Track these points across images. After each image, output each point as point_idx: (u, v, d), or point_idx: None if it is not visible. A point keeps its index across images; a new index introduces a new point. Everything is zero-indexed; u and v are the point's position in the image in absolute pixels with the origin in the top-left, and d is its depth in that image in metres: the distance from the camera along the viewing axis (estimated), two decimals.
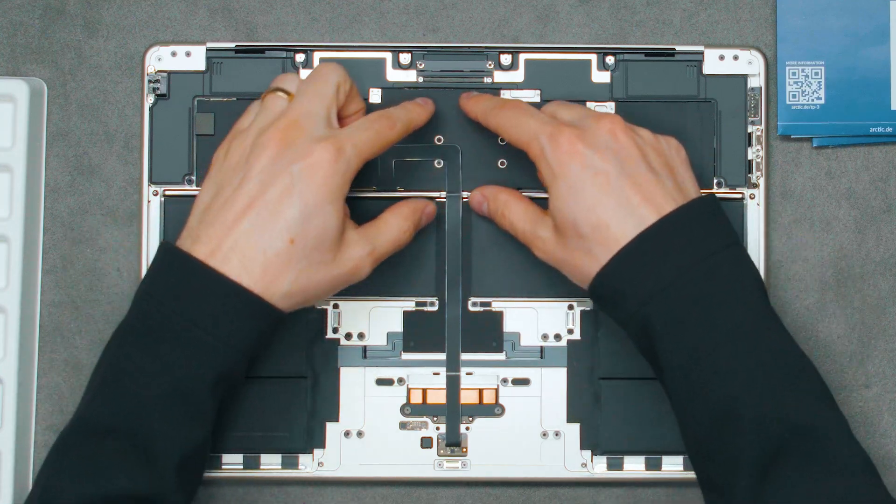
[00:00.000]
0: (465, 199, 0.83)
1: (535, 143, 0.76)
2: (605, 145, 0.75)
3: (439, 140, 0.83)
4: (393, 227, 0.78)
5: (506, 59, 0.84)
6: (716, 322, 0.72)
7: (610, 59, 0.84)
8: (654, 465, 0.82)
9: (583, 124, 0.76)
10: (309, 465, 0.83)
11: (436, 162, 0.83)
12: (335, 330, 0.83)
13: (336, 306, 0.83)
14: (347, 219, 0.76)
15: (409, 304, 0.83)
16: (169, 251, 0.74)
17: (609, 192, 0.74)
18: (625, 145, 0.75)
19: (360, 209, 0.82)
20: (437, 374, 0.83)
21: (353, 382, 0.83)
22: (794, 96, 0.84)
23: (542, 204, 0.80)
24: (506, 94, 0.83)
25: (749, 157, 0.83)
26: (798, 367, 0.73)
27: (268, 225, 0.73)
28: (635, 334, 0.75)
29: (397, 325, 0.83)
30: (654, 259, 0.73)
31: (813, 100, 0.84)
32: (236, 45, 0.84)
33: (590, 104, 0.83)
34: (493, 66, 0.84)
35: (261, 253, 0.73)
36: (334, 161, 0.74)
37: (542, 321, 0.83)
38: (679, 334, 0.73)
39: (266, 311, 0.74)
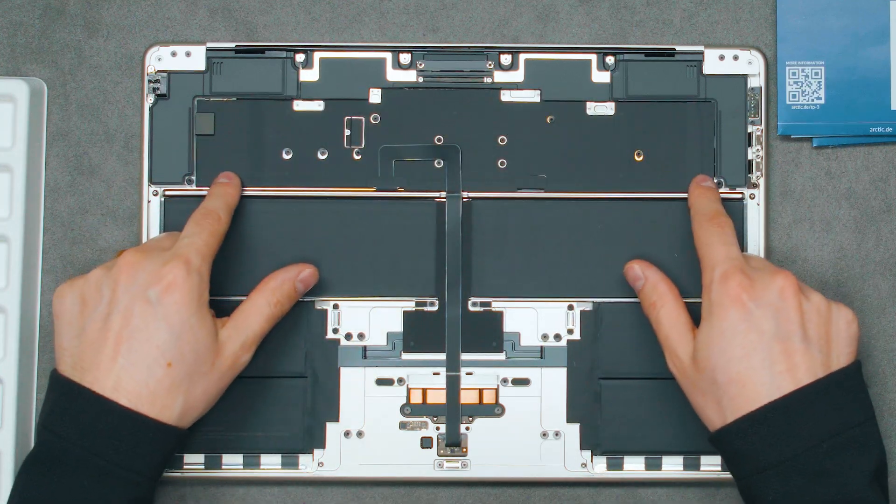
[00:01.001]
0: (465, 200, 0.83)
1: (710, 273, 0.77)
2: (769, 302, 0.75)
3: (439, 140, 0.83)
4: (260, 309, 0.79)
5: (506, 59, 0.84)
6: (821, 498, 0.72)
7: (610, 59, 0.84)
8: (654, 465, 0.82)
9: (757, 275, 0.76)
10: (309, 465, 0.83)
11: (436, 162, 0.83)
12: (335, 330, 0.83)
13: (336, 306, 0.83)
14: (214, 320, 0.77)
15: (409, 304, 0.83)
16: (62, 383, 0.75)
17: (756, 351, 0.74)
18: (789, 308, 0.75)
19: (360, 209, 0.82)
20: (437, 374, 0.83)
21: (353, 382, 0.83)
22: (794, 96, 0.84)
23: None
24: (506, 95, 0.83)
25: (749, 157, 0.83)
26: None
27: (142, 355, 0.75)
28: (745, 496, 0.75)
29: (397, 325, 0.83)
30: (780, 430, 0.73)
31: (813, 100, 0.84)
32: (236, 45, 0.84)
33: (590, 104, 0.83)
34: (493, 66, 0.84)
35: (144, 384, 0.74)
36: (186, 275, 0.76)
37: (542, 321, 0.83)
38: None
39: (167, 432, 0.75)
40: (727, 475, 0.82)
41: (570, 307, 0.83)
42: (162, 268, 0.75)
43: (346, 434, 0.83)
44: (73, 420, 0.74)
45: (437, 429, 0.83)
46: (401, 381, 0.83)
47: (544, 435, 0.83)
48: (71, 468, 0.73)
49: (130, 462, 0.74)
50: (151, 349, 0.75)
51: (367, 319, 0.83)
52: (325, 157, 0.83)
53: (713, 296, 0.76)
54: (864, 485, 0.73)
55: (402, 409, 0.83)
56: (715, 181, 0.82)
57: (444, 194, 0.83)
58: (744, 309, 0.75)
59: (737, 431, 0.74)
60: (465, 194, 0.83)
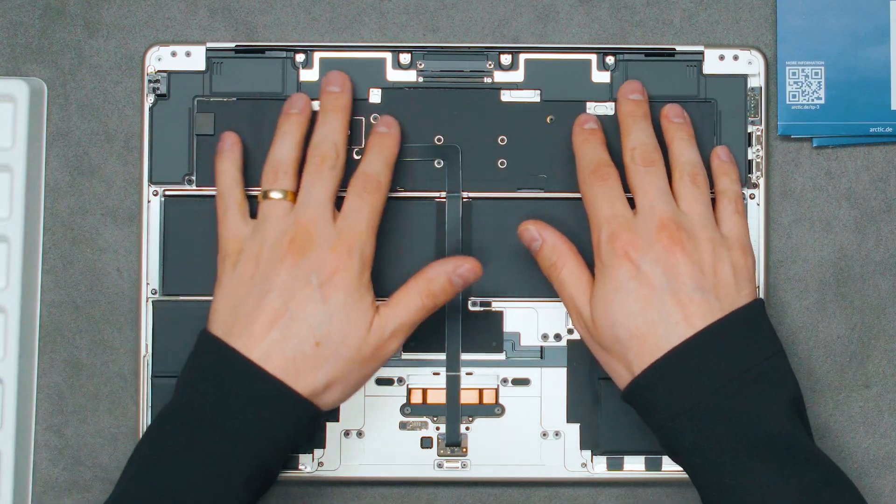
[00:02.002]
0: (465, 200, 0.83)
1: (597, 233, 0.77)
2: (657, 257, 0.75)
3: (439, 140, 0.83)
4: (412, 299, 0.78)
5: (506, 59, 0.84)
6: (740, 440, 0.73)
7: (610, 59, 0.84)
8: (654, 465, 0.82)
9: (643, 229, 0.76)
10: (309, 465, 0.83)
11: (436, 162, 0.83)
12: None
13: None
14: (373, 306, 0.77)
15: None
16: (213, 342, 0.76)
17: (650, 305, 0.75)
18: (679, 264, 0.75)
19: None
20: (437, 374, 0.83)
21: None
22: (794, 96, 0.84)
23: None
24: (506, 95, 0.83)
25: (749, 157, 0.83)
26: (830, 479, 0.73)
27: (294, 332, 0.75)
28: (664, 445, 0.76)
29: None
30: (685, 376, 0.74)
31: (813, 100, 0.84)
32: (236, 45, 0.84)
33: (590, 104, 0.83)
34: (493, 66, 0.84)
35: (291, 360, 0.75)
36: (348, 261, 0.76)
37: (542, 321, 0.83)
38: (705, 452, 0.73)
39: (307, 409, 0.75)
40: None
41: None
42: (326, 255, 0.76)
43: (346, 434, 0.83)
44: (217, 379, 0.75)
45: (437, 429, 0.83)
46: (401, 381, 0.83)
47: (544, 435, 0.83)
48: (207, 426, 0.74)
49: (267, 430, 0.74)
50: (304, 328, 0.75)
51: None
52: None
53: (602, 256, 0.76)
54: (779, 417, 0.73)
55: (402, 409, 0.83)
56: (598, 123, 0.82)
57: (444, 194, 0.83)
58: (633, 265, 0.75)
59: (644, 384, 0.75)
60: (465, 194, 0.83)
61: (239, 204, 0.79)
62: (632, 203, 0.78)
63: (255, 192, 0.81)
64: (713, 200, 0.80)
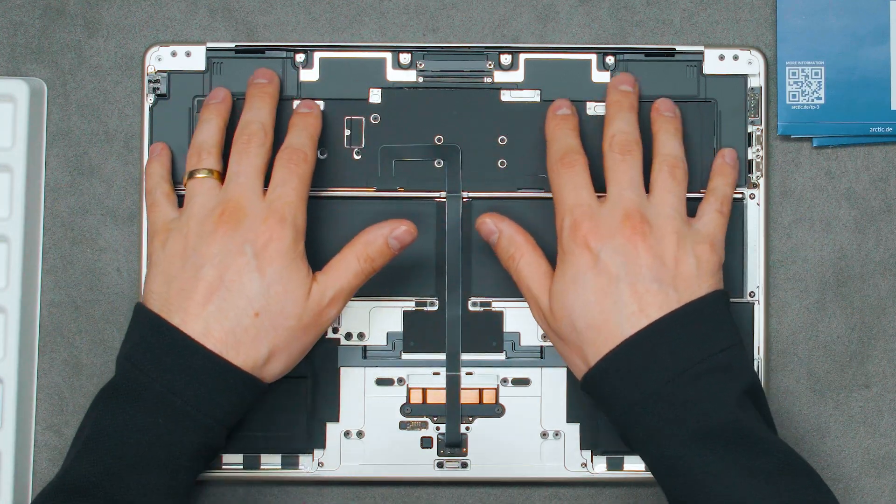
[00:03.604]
0: (465, 200, 0.83)
1: (560, 220, 0.77)
2: (617, 247, 0.75)
3: (439, 140, 0.83)
4: (349, 264, 0.78)
5: (506, 59, 0.84)
6: (693, 429, 0.73)
7: (610, 59, 0.84)
8: None
9: (605, 219, 0.76)
10: (309, 465, 0.83)
11: (436, 162, 0.83)
12: (335, 330, 0.83)
13: None
14: (309, 274, 0.77)
15: (409, 304, 0.83)
16: (150, 318, 0.76)
17: (607, 295, 0.75)
18: (637, 252, 0.75)
19: (360, 209, 0.82)
20: (437, 374, 0.83)
21: (353, 382, 0.83)
22: (794, 96, 0.84)
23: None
24: (506, 95, 0.83)
25: (749, 157, 0.83)
26: (786, 465, 0.73)
27: (231, 304, 0.75)
28: (621, 435, 0.76)
29: (397, 325, 0.83)
30: (638, 366, 0.74)
31: (813, 100, 0.84)
32: (236, 45, 0.84)
33: (590, 104, 0.83)
34: (493, 66, 0.84)
35: (231, 332, 0.75)
36: (282, 230, 0.76)
37: None
38: (659, 442, 0.73)
39: (249, 383, 0.75)
40: None
41: None
42: (258, 225, 0.76)
43: (346, 434, 0.83)
44: (158, 356, 0.74)
45: (437, 429, 0.83)
46: (401, 381, 0.83)
47: (544, 435, 0.83)
48: (149, 404, 0.74)
49: (208, 406, 0.74)
50: (241, 299, 0.75)
51: (367, 319, 0.83)
52: (325, 156, 0.83)
53: (564, 244, 0.77)
54: (732, 407, 0.73)
55: (402, 409, 0.83)
56: (572, 108, 0.82)
57: (444, 194, 0.83)
58: (591, 254, 0.75)
59: (599, 374, 0.75)
60: (465, 194, 0.83)
61: (166, 195, 0.80)
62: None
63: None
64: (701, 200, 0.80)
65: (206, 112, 0.81)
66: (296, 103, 0.83)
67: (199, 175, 0.78)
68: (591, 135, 0.83)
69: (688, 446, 0.72)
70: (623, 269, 0.75)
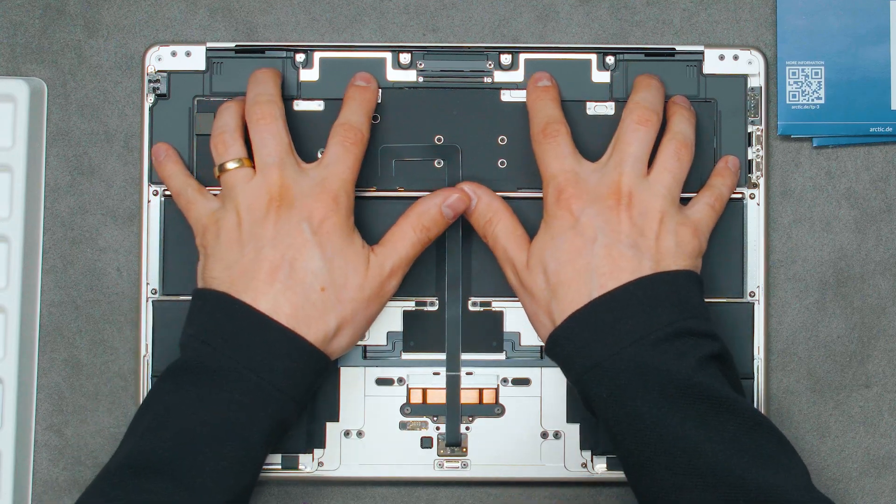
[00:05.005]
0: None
1: (546, 187, 0.78)
2: (598, 211, 0.76)
3: (439, 140, 0.83)
4: (405, 234, 0.79)
5: (506, 59, 0.84)
6: (656, 389, 0.73)
7: (610, 59, 0.84)
8: None
9: (589, 186, 0.76)
10: (309, 465, 0.83)
11: (436, 162, 0.83)
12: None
13: None
14: (364, 246, 0.78)
15: (409, 304, 0.83)
16: (218, 298, 0.76)
17: (581, 255, 0.75)
18: (618, 218, 0.76)
19: (359, 209, 0.82)
20: (437, 374, 0.83)
21: (353, 382, 0.83)
22: (794, 96, 0.84)
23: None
24: (506, 95, 0.83)
25: (749, 157, 0.83)
26: (751, 423, 0.73)
27: (298, 281, 0.75)
28: (582, 398, 0.76)
29: (397, 325, 0.83)
30: (604, 327, 0.74)
31: (813, 100, 0.84)
32: (236, 45, 0.84)
33: (590, 104, 0.83)
34: (493, 66, 0.84)
35: (300, 307, 0.75)
36: (336, 206, 0.77)
37: None
38: (621, 402, 0.73)
39: (320, 359, 0.76)
40: None
41: None
42: (313, 204, 0.76)
43: (346, 434, 0.83)
44: (231, 333, 0.75)
45: (437, 429, 0.83)
46: (401, 380, 0.83)
47: (544, 435, 0.83)
48: (223, 380, 0.74)
49: (283, 381, 0.74)
50: (306, 275, 0.75)
51: None
52: None
53: (548, 208, 0.77)
54: (697, 370, 0.73)
55: (402, 409, 0.83)
56: (552, 80, 0.82)
57: None
58: (572, 216, 0.76)
59: (565, 333, 0.75)
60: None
61: (198, 190, 0.80)
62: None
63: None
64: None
65: (224, 104, 0.81)
66: (297, 104, 0.83)
67: (229, 166, 0.78)
68: (591, 135, 0.83)
69: (650, 403, 0.73)
70: (601, 232, 0.75)
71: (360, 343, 0.83)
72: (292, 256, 0.75)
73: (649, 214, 0.76)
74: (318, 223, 0.76)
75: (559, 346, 0.75)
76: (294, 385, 0.75)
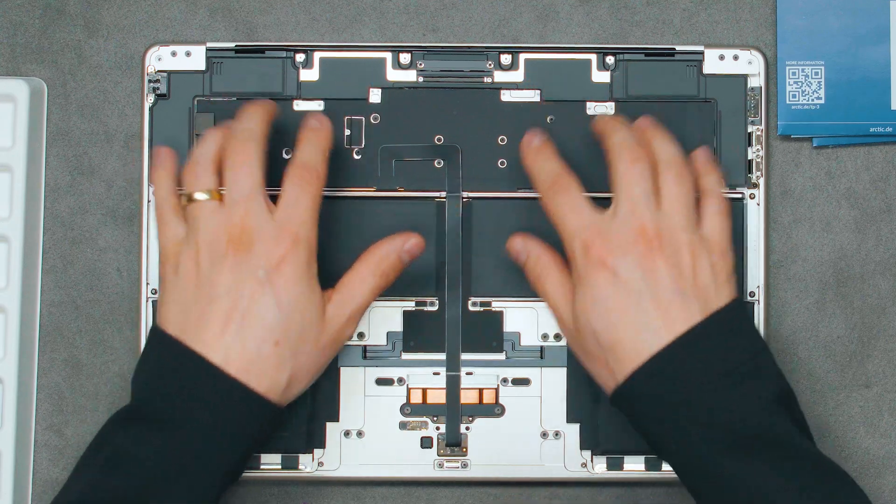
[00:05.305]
0: (465, 200, 0.83)
1: (570, 244, 0.76)
2: (634, 262, 0.75)
3: (439, 140, 0.83)
4: (365, 280, 0.78)
5: (506, 59, 0.84)
6: (727, 434, 0.72)
7: (610, 59, 0.84)
8: (654, 465, 0.82)
9: (617, 235, 0.75)
10: (309, 465, 0.83)
11: (436, 162, 0.83)
12: None
13: None
14: (321, 295, 0.77)
15: (409, 304, 0.83)
16: (170, 344, 0.75)
17: (630, 313, 0.74)
18: (658, 269, 0.75)
19: (360, 209, 0.82)
20: (437, 374, 0.83)
21: (353, 382, 0.83)
22: (794, 96, 0.84)
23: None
24: (506, 95, 0.83)
25: (749, 157, 0.83)
26: (822, 471, 0.73)
27: (251, 334, 0.74)
28: (653, 448, 0.76)
29: (397, 325, 0.83)
30: (668, 379, 0.73)
31: (813, 100, 0.84)
32: (236, 45, 0.84)
33: (590, 104, 0.83)
34: (493, 66, 0.84)
35: (252, 361, 0.74)
36: (295, 251, 0.75)
37: (542, 321, 0.83)
38: (693, 452, 0.73)
39: (271, 409, 0.75)
40: None
41: None
42: (272, 247, 0.75)
43: (346, 434, 0.83)
44: (179, 382, 0.74)
45: (437, 429, 0.83)
46: (401, 380, 0.83)
47: (544, 435, 0.83)
48: (171, 428, 0.73)
49: (231, 432, 0.74)
50: (260, 329, 0.74)
51: (366, 319, 0.83)
52: None
53: (579, 266, 0.76)
54: (765, 415, 0.73)
55: (402, 409, 0.83)
56: (543, 136, 0.81)
57: (444, 194, 0.83)
58: (609, 272, 0.75)
59: (628, 390, 0.74)
60: (465, 194, 0.83)
61: (174, 210, 0.78)
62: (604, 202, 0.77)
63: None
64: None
65: (208, 130, 0.79)
66: (297, 104, 0.83)
67: (197, 196, 0.76)
68: (590, 135, 0.83)
69: (720, 452, 0.72)
70: (643, 283, 0.74)
71: (360, 343, 0.83)
72: (245, 307, 0.74)
73: (680, 250, 0.75)
74: (274, 268, 0.74)
75: (625, 403, 0.75)
76: (242, 435, 0.74)
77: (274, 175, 0.80)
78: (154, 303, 0.83)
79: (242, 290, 0.74)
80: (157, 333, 0.76)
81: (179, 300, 0.76)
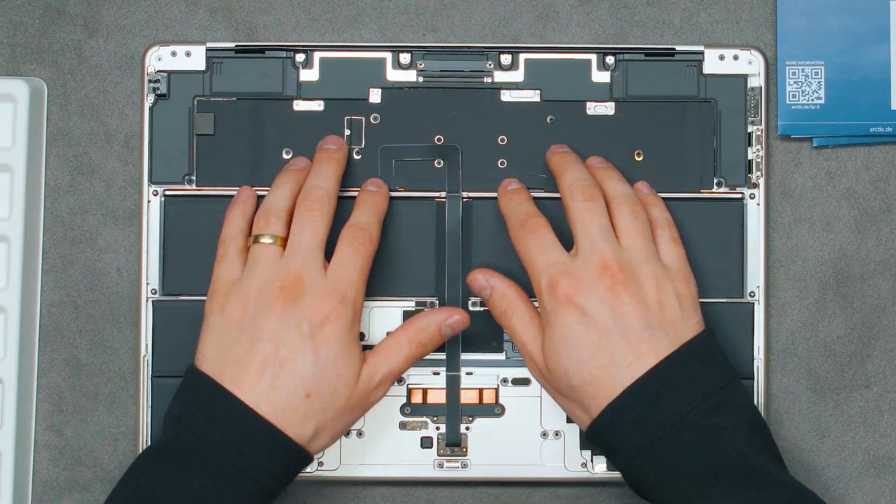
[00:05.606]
0: (465, 200, 0.83)
1: (537, 283, 0.77)
2: (601, 300, 0.75)
3: (439, 140, 0.83)
4: (401, 348, 0.79)
5: (506, 59, 0.84)
6: (703, 468, 0.72)
7: (610, 59, 0.84)
8: None
9: (583, 273, 0.75)
10: (309, 465, 0.82)
11: (436, 162, 0.83)
12: None
13: None
14: (361, 356, 0.77)
15: (409, 304, 0.83)
16: (206, 383, 0.75)
17: (601, 350, 0.75)
18: (624, 304, 0.75)
19: None
20: (438, 373, 0.83)
21: None
22: (794, 96, 0.84)
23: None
24: (506, 95, 0.83)
25: (749, 157, 0.83)
26: (798, 500, 0.73)
27: (284, 384, 0.75)
28: (630, 483, 0.76)
29: (397, 325, 0.83)
30: (641, 413, 0.74)
31: (813, 100, 0.84)
32: (236, 45, 0.84)
33: (590, 104, 0.83)
34: (493, 66, 0.84)
35: (281, 409, 0.75)
36: (342, 311, 0.76)
37: None
38: (668, 486, 0.73)
39: (298, 454, 0.75)
40: None
41: None
42: (318, 303, 0.76)
43: (346, 434, 0.83)
44: (213, 422, 0.74)
45: (437, 429, 0.83)
46: (401, 380, 0.83)
47: (544, 435, 0.83)
48: (199, 467, 0.74)
49: (259, 474, 0.74)
50: (294, 379, 0.75)
51: (367, 319, 0.83)
52: None
53: (546, 304, 0.76)
54: (739, 444, 0.73)
55: (402, 409, 0.83)
56: (521, 184, 0.82)
57: (444, 194, 0.83)
58: (577, 310, 0.75)
59: (603, 425, 0.75)
60: (465, 194, 0.83)
61: (239, 251, 0.79)
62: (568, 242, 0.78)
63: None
64: None
65: (283, 175, 0.80)
66: (297, 104, 0.83)
67: (264, 240, 0.78)
68: (591, 135, 0.83)
69: (698, 485, 0.72)
70: (612, 320, 0.75)
71: (360, 343, 0.83)
72: (284, 356, 0.75)
73: (644, 282, 0.76)
74: (318, 324, 0.76)
75: (600, 437, 0.75)
76: (269, 477, 0.75)
77: (273, 174, 0.80)
78: (154, 303, 0.83)
79: (285, 339, 0.75)
80: (192, 372, 0.76)
81: (220, 339, 0.76)
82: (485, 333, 0.83)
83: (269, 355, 0.75)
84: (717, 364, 0.76)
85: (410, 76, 0.84)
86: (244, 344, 0.76)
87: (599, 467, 0.83)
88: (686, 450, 0.73)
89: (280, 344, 0.75)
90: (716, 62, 0.83)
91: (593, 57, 0.84)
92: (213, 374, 0.76)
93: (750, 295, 0.83)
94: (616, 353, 0.74)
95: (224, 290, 0.78)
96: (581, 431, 0.82)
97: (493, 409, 0.83)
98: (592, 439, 0.76)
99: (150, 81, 0.83)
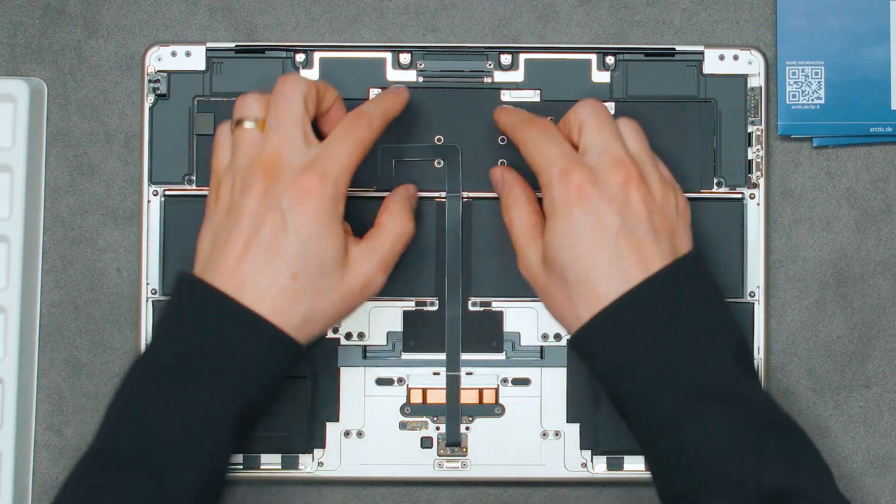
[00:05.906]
0: (465, 200, 0.83)
1: (546, 172, 0.75)
2: (614, 197, 0.74)
3: (439, 140, 0.83)
4: (393, 227, 0.78)
5: (506, 59, 0.84)
6: (687, 388, 0.72)
7: (610, 59, 0.84)
8: None
9: (598, 168, 0.75)
10: (309, 465, 0.83)
11: (436, 162, 0.83)
12: (335, 330, 0.83)
13: None
14: (349, 236, 0.76)
15: (409, 304, 0.83)
16: (188, 282, 0.75)
17: (603, 248, 0.74)
18: (634, 202, 0.74)
19: (359, 209, 0.82)
20: (437, 373, 0.83)
21: (353, 382, 0.83)
22: (794, 96, 0.84)
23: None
24: (506, 95, 0.83)
25: (749, 157, 0.83)
26: (776, 425, 0.73)
27: (268, 264, 0.73)
28: (609, 394, 0.75)
29: (397, 325, 0.83)
30: (631, 325, 0.73)
31: (813, 100, 0.84)
32: (236, 45, 0.84)
33: None
34: (493, 66, 0.84)
35: (266, 292, 0.73)
36: (322, 186, 0.74)
37: (541, 321, 0.83)
38: (650, 399, 0.73)
39: (286, 343, 0.74)
40: None
41: None
42: (299, 177, 0.74)
43: (346, 434, 0.83)
44: (196, 319, 0.73)
45: (437, 429, 0.83)
46: (401, 380, 0.83)
47: (544, 435, 0.83)
48: (190, 367, 0.72)
49: (245, 365, 0.72)
50: (277, 259, 0.73)
51: (366, 319, 0.83)
52: None
53: (555, 193, 0.74)
54: (724, 367, 0.73)
55: (402, 409, 0.83)
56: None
57: (444, 194, 0.83)
58: (588, 204, 0.74)
59: (591, 332, 0.74)
60: (465, 194, 0.83)
61: (229, 139, 0.78)
62: None
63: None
64: None
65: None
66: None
67: (246, 125, 0.76)
68: None
69: (682, 403, 0.72)
70: (620, 216, 0.74)
71: (360, 343, 0.83)
72: (265, 235, 0.73)
73: (654, 185, 0.75)
74: (297, 200, 0.73)
75: (586, 344, 0.74)
76: (258, 368, 0.73)
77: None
78: (154, 303, 0.83)
79: (266, 217, 0.73)
80: (179, 275, 0.75)
81: (212, 229, 0.76)
82: (485, 333, 0.83)
83: (251, 235, 0.73)
84: (706, 285, 0.75)
85: (410, 76, 0.84)
86: (228, 228, 0.74)
87: (599, 467, 0.83)
88: (672, 367, 0.72)
89: (260, 224, 0.73)
90: (716, 62, 0.83)
91: (593, 57, 0.84)
92: (200, 271, 0.75)
93: (750, 295, 0.83)
94: (619, 253, 0.73)
95: (215, 179, 0.77)
96: (580, 429, 0.82)
97: (493, 409, 0.83)
98: (576, 345, 0.75)
99: (150, 81, 0.83)
